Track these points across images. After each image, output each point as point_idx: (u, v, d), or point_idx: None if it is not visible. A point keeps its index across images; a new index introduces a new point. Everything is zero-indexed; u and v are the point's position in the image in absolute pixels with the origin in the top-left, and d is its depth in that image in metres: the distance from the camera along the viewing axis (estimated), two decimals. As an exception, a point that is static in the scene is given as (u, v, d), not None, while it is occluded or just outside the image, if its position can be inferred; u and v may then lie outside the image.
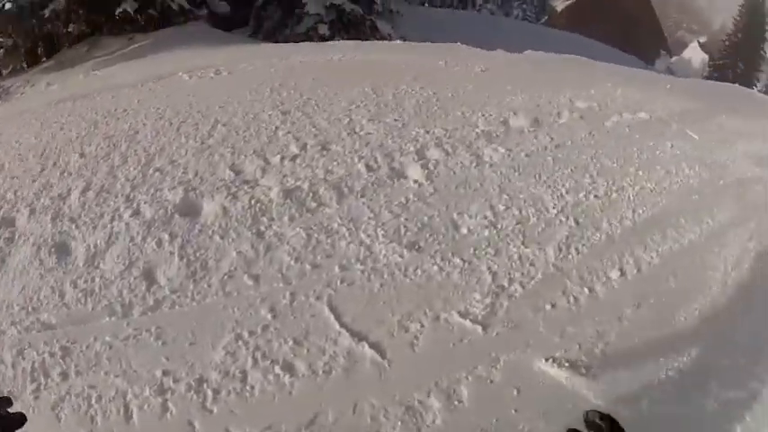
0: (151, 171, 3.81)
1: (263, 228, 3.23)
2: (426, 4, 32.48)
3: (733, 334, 3.01)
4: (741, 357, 2.62)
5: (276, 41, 11.57)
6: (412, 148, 4.28)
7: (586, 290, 2.93)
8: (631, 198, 4.07)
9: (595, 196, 3.82)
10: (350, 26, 12.44)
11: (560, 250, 3.18)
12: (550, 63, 7.53)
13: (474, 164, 4.21)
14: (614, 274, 3.09)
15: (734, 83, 10.41)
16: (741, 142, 7.18)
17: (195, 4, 11.50)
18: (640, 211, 3.94)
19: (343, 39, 11.18)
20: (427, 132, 4.33)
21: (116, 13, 9.65)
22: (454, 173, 3.82)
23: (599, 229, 3.44)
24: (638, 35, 33.29)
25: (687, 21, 73.70)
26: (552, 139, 4.74)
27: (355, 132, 4.28)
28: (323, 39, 11.27)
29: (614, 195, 4.05)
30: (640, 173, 4.47)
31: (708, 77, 31.42)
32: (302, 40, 10.61)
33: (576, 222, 3.50)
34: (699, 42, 55.88)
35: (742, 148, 7.20)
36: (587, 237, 3.35)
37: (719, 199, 4.75)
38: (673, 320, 3.02)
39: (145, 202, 3.42)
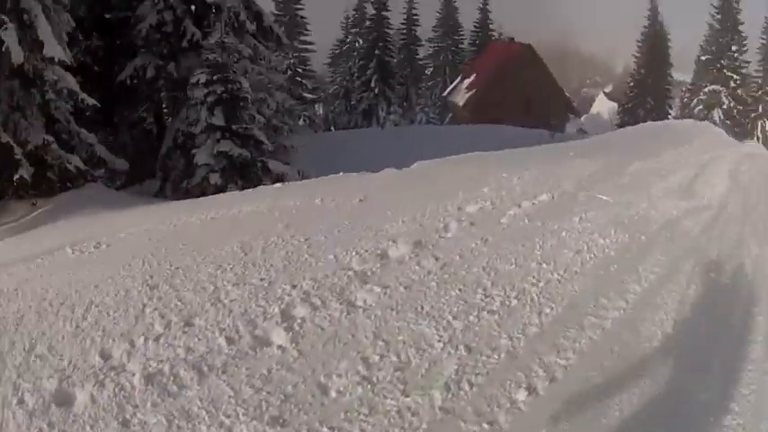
0: (33, 358, 3.97)
1: (128, 416, 3.26)
2: (333, 128, 35.67)
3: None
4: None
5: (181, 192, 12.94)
6: (276, 310, 4.31)
7: (486, 425, 2.81)
8: (535, 299, 4.06)
9: (490, 312, 3.83)
10: (243, 170, 13.31)
11: (449, 389, 3.07)
12: (440, 169, 7.88)
13: (345, 313, 4.11)
14: (521, 395, 3.01)
15: (645, 121, 11.11)
16: (659, 182, 7.60)
17: (93, 163, 12.19)
18: (548, 311, 3.92)
19: (236, 184, 12.35)
20: (294, 287, 4.41)
21: (14, 180, 9.98)
22: (322, 329, 3.81)
23: (496, 349, 3.41)
24: (543, 107, 35.57)
25: (590, 75, 79.72)
26: (437, 259, 4.80)
27: (219, 301, 4.40)
28: (217, 188, 12.26)
29: (514, 303, 4.03)
30: (544, 265, 4.52)
31: (620, 125, 33.54)
32: (199, 192, 11.48)
33: (468, 350, 3.43)
34: (604, 93, 60.88)
35: (662, 187, 7.58)
36: (482, 363, 3.28)
37: (645, 257, 4.83)
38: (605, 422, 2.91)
39: (27, 391, 3.56)
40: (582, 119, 45.19)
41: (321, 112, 39.15)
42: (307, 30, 35.46)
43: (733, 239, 5.82)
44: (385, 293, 4.33)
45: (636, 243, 5.04)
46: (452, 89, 41.68)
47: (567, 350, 3.50)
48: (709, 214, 6.40)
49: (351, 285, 4.53)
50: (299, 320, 4.15)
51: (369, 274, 4.70)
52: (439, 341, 3.55)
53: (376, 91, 39.08)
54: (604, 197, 5.88)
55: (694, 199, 6.81)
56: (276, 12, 32.16)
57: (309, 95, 33.74)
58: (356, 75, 40.16)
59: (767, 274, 5.24)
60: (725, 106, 34.68)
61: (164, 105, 16.97)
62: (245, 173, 13.42)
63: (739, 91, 35.40)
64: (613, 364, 3.42)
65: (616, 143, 9.98)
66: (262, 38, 15.92)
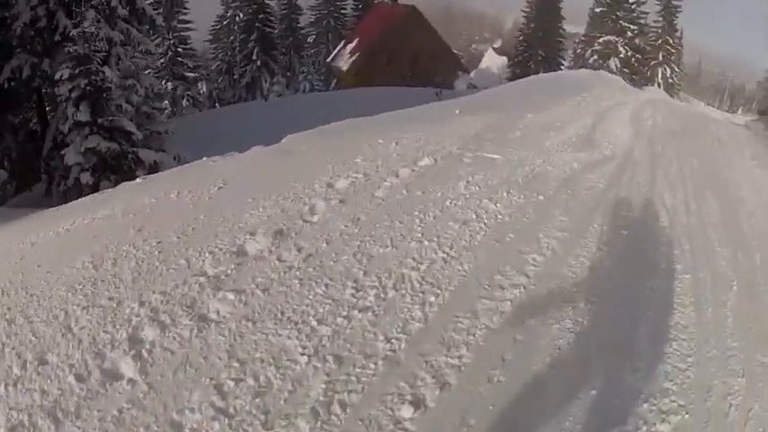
0: None
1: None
2: (218, 105, 37.90)
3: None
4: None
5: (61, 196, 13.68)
6: (125, 335, 3.96)
7: (364, 454, 2.42)
8: (417, 287, 3.71)
9: (362, 309, 3.53)
10: (114, 165, 13.89)
11: (317, 416, 2.82)
12: (310, 142, 7.47)
13: (196, 331, 3.79)
14: (406, 412, 2.79)
15: (537, 73, 11.24)
16: (555, 134, 7.59)
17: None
18: (432, 299, 3.59)
19: (109, 181, 12.86)
20: (142, 305, 4.14)
21: None
22: (172, 353, 3.53)
23: (372, 356, 3.12)
24: (431, 66, 39.17)
25: (479, 32, 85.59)
26: (300, 250, 4.38)
27: (70, 330, 4.18)
28: (91, 188, 12.62)
29: (391, 295, 3.66)
30: (426, 243, 4.19)
31: (510, 79, 36.19)
32: (76, 194, 11.80)
33: (338, 361, 3.14)
34: (493, 48, 64.66)
35: (558, 140, 7.55)
36: (356, 376, 3.02)
37: (545, 221, 4.60)
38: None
39: None
40: (471, 74, 46.94)
41: (205, 89, 40.57)
42: (186, 8, 36.66)
43: (644, 190, 5.76)
44: (240, 300, 3.94)
45: (533, 205, 4.83)
46: (336, 55, 43.39)
47: (460, 346, 3.22)
48: (613, 165, 6.37)
49: (203, 294, 4.13)
50: (147, 345, 3.80)
51: (223, 277, 4.31)
52: (303, 354, 3.29)
53: (258, 63, 41.53)
54: (494, 156, 5.65)
55: (596, 150, 6.77)
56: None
57: (191, 74, 35.53)
58: (238, 49, 42.63)
59: (687, 223, 5.19)
60: (622, 55, 36.55)
61: (46, 104, 17.83)
62: (116, 167, 13.85)
63: (637, 40, 37.44)
64: (517, 356, 3.16)
65: (505, 97, 9.94)
66: (136, 22, 16.62)
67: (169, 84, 32.79)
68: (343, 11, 49.56)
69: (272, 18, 43.82)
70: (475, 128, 6.82)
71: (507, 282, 3.71)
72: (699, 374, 3.22)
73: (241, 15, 43.28)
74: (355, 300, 3.67)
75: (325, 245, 4.40)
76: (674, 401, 2.97)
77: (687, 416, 2.90)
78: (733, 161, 9.40)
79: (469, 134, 6.62)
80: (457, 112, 7.73)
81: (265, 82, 40.91)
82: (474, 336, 3.28)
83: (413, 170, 5.65)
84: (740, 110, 49.36)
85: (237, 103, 35.95)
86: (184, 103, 33.30)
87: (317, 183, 5.60)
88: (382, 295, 3.67)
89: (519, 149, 6.21)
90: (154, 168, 13.02)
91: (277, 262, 4.28)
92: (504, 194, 4.92)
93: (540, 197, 4.97)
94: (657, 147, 8.48)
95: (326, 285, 3.85)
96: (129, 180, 10.06)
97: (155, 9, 31.20)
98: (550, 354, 3.20)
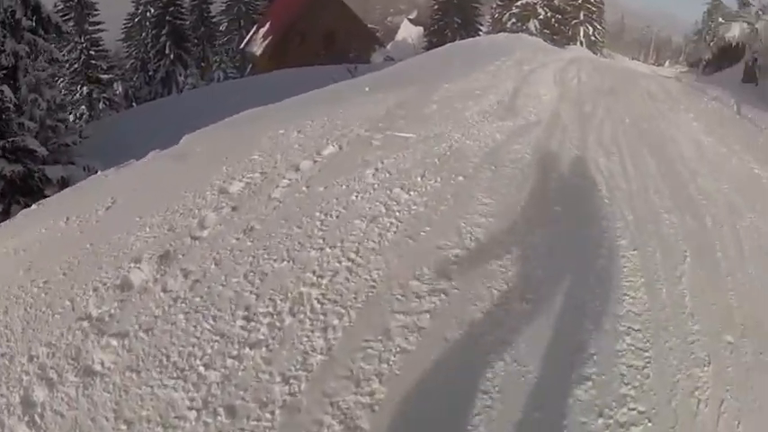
0: None
1: None
2: (135, 103, 38.04)
3: None
4: None
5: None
6: (17, 398, 3.44)
7: None
8: (317, 308, 3.15)
9: (254, 345, 3.03)
10: (22, 187, 13.41)
11: None
12: (206, 140, 6.85)
13: (82, 388, 3.24)
14: None
15: (454, 41, 10.87)
16: (474, 104, 7.13)
17: None
18: (336, 322, 3.08)
19: (20, 204, 12.30)
20: (31, 361, 3.65)
21: None
22: (62, 416, 3.06)
23: (269, 403, 2.70)
24: (346, 42, 39.88)
25: (394, 4, 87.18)
26: (186, 276, 3.79)
27: None
28: (1, 215, 12.03)
29: (288, 322, 3.13)
30: (329, 250, 3.68)
31: (427, 48, 36.95)
32: None
33: (231, 414, 2.72)
34: (409, 19, 65.70)
35: (478, 109, 7.08)
36: (251, 430, 2.61)
37: (466, 205, 4.12)
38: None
39: None
40: (388, 47, 47.90)
41: (120, 90, 40.21)
42: (96, 9, 36.30)
43: (575, 156, 5.35)
44: (124, 346, 3.44)
45: (452, 188, 4.39)
46: (249, 40, 44.30)
47: (371, 379, 2.74)
48: (540, 131, 5.96)
49: (87, 343, 3.58)
50: (39, 409, 3.29)
51: (106, 319, 3.82)
52: (191, 408, 2.83)
53: (171, 57, 41.85)
54: (406, 134, 5.15)
55: (519, 116, 6.35)
56: (63, -2, 35.05)
57: (106, 76, 35.41)
58: (150, 44, 42.92)
59: (627, 190, 4.79)
60: (541, 17, 36.70)
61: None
62: (26, 189, 13.41)
63: (556, 1, 37.67)
64: (443, 383, 2.69)
65: (420, 68, 9.47)
66: (43, 31, 16.22)
67: (84, 88, 32.80)
68: (254, -5, 50.61)
69: (182, 10, 44.13)
70: (386, 105, 6.30)
71: (425, 288, 3.19)
72: (659, 371, 2.92)
73: (152, 11, 43.67)
74: (247, 333, 3.16)
75: (213, 266, 3.87)
76: (633, 409, 2.68)
77: (650, 424, 2.62)
78: (667, 115, 9.17)
79: (380, 113, 6.09)
80: (367, 89, 7.20)
81: (180, 75, 41.45)
82: (388, 363, 2.80)
83: (315, 161, 5.10)
84: (667, 62, 50.58)
85: (153, 100, 35.84)
86: (101, 105, 33.24)
87: (209, 189, 5.05)
88: (277, 324, 3.16)
89: (435, 125, 5.73)
90: (64, 184, 12.46)
91: (162, 294, 3.76)
92: (419, 179, 4.41)
93: (460, 178, 4.49)
94: (586, 107, 8.15)
95: (215, 317, 3.34)
96: (44, 198, 9.73)
97: (64, 15, 30.58)
98: (483, 376, 2.69)
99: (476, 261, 3.40)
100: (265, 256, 3.78)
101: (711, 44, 28.98)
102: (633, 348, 3.02)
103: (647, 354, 3.00)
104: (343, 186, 4.43)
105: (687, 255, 4.14)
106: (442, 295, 3.10)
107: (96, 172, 11.40)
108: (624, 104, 9.26)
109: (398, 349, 2.83)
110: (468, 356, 2.79)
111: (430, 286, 3.17)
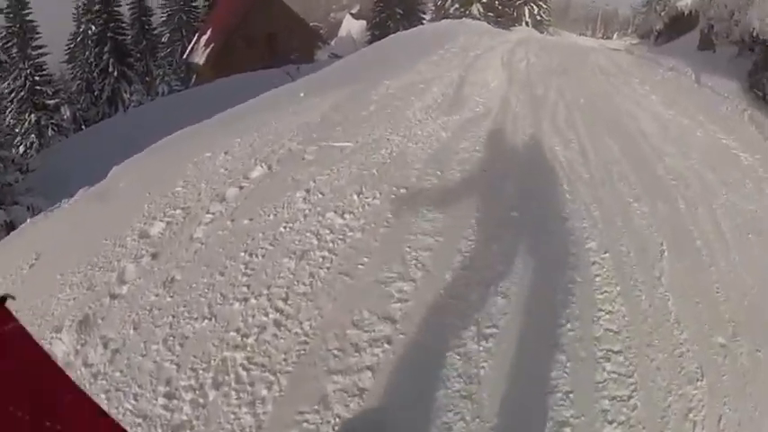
0: None
1: None
2: (83, 126, 37.57)
3: None
4: None
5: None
6: None
7: None
8: (244, 377, 2.76)
9: (177, 429, 2.58)
10: None
11: None
12: (132, 172, 6.35)
13: None
14: None
15: (396, 32, 10.51)
16: (417, 99, 6.65)
17: None
18: (265, 392, 2.69)
19: None
20: None
21: None
22: None
23: None
24: (289, 44, 39.23)
25: (336, 0, 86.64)
26: (106, 345, 3.31)
27: None
28: None
29: (212, 396, 2.73)
30: (254, 300, 3.21)
31: (369, 42, 36.73)
32: None
33: None
34: (351, 14, 65.33)
35: (421, 105, 6.60)
36: None
37: (411, 225, 3.69)
38: None
39: None
40: (332, 44, 47.39)
41: (68, 113, 39.52)
42: (38, 33, 36.23)
43: (530, 147, 4.93)
44: None
45: (393, 204, 3.98)
46: (191, 50, 43.61)
47: None
48: (489, 123, 5.51)
49: None
50: None
51: None
52: None
53: (115, 74, 41.49)
54: (343, 143, 4.72)
55: (465, 108, 5.94)
56: (6, 24, 34.22)
57: (52, 101, 34.90)
58: (94, 63, 42.46)
59: (590, 180, 4.41)
60: (484, 0, 36.45)
61: None
62: None
63: (497, -17, 37.45)
64: None
65: (359, 64, 9.02)
66: None
67: (32, 116, 32.36)
68: (194, 3, 49.14)
69: (123, 25, 43.79)
70: (321, 110, 5.84)
71: (365, 336, 2.73)
72: (647, 399, 2.60)
73: (93, 28, 43.15)
74: (170, 414, 2.68)
75: (132, 331, 3.38)
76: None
77: (641, 465, 2.35)
78: (622, 90, 8.83)
79: (314, 120, 5.64)
80: (302, 94, 6.72)
81: (125, 92, 40.88)
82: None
83: (241, 188, 4.61)
84: (615, 35, 50.71)
85: (99, 122, 35.52)
86: (50, 132, 32.62)
87: (130, 234, 4.52)
88: (200, 400, 2.69)
89: (374, 128, 5.29)
90: (10, 228, 12.08)
91: (83, 368, 3.25)
92: (355, 198, 3.95)
93: (402, 190, 4.05)
94: (537, 90, 7.76)
95: (136, 396, 2.86)
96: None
97: (7, 42, 31.26)
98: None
99: (423, 294, 2.95)
100: (186, 314, 3.29)
101: (663, 14, 29.07)
102: (615, 376, 2.64)
103: (631, 380, 2.65)
104: (271, 216, 3.95)
105: (664, 248, 3.77)
106: (386, 345, 2.64)
107: (39, 211, 10.96)
108: (576, 83, 8.90)
109: (337, 420, 2.37)
110: (421, 420, 2.33)
111: (370, 334, 2.71)
